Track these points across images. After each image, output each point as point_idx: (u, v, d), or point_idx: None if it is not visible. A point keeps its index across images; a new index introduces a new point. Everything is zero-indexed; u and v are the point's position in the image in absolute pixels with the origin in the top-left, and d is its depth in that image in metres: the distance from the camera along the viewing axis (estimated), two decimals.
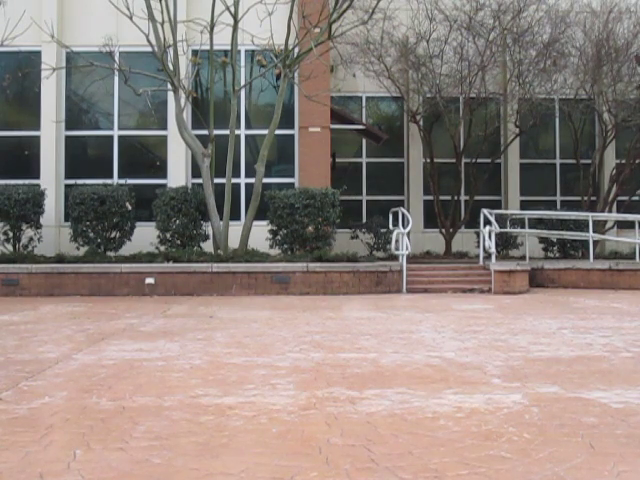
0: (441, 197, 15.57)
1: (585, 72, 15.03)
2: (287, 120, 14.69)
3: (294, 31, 12.58)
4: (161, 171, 14.90)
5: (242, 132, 14.82)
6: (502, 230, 13.36)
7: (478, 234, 13.48)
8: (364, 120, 16.61)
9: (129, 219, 12.94)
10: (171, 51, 12.43)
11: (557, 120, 16.57)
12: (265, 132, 13.03)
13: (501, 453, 2.44)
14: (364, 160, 17.15)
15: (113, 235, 12.88)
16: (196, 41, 13.42)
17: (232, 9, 12.30)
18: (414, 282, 11.68)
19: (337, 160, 16.09)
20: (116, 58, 12.55)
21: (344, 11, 12.23)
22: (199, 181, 13.14)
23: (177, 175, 14.56)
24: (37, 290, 11.11)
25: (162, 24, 12.28)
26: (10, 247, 12.81)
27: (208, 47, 12.70)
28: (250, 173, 13.90)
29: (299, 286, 11.30)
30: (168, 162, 14.81)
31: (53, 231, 13.96)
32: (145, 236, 12.96)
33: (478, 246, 13.36)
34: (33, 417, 3.02)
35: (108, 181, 14.08)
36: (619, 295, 10.71)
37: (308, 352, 4.84)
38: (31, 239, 12.86)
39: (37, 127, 14.64)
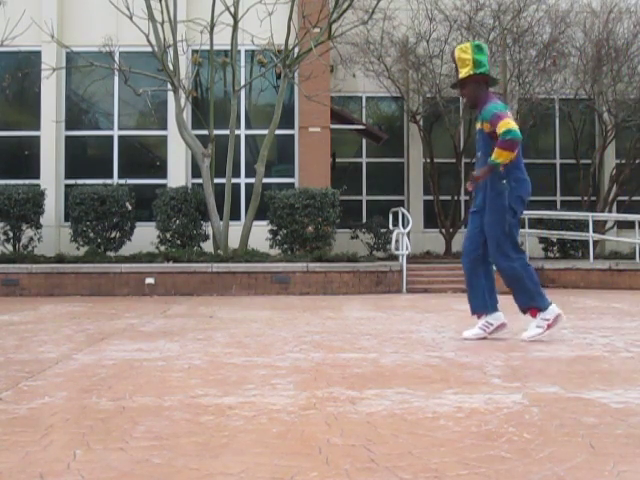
0: (441, 197, 15.58)
1: (585, 72, 15.04)
2: (287, 120, 14.70)
3: (294, 31, 12.60)
4: (161, 171, 14.91)
5: (242, 132, 14.84)
6: None
7: None
8: (364, 120, 16.61)
9: (129, 219, 12.95)
10: (171, 51, 12.44)
11: (557, 120, 16.58)
12: (265, 132, 13.03)
13: (501, 453, 2.44)
14: (364, 160, 17.15)
15: (113, 235, 12.90)
16: (196, 41, 13.43)
17: (232, 9, 12.31)
18: (414, 282, 11.69)
19: (337, 160, 16.10)
20: (116, 58, 12.57)
21: (344, 11, 12.24)
22: (199, 181, 13.15)
23: (177, 175, 14.57)
24: (37, 290, 11.11)
25: (162, 24, 12.29)
26: (10, 247, 12.82)
27: (208, 47, 12.72)
28: (250, 173, 13.92)
29: (299, 286, 11.31)
30: (168, 162, 14.82)
31: (53, 231, 13.97)
32: (145, 236, 12.98)
33: None
34: (33, 417, 3.02)
35: (108, 181, 14.09)
36: (619, 295, 10.71)
37: (308, 352, 4.84)
38: (31, 239, 12.87)
39: (37, 127, 14.65)
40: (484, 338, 5.47)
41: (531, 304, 5.38)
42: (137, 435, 2.69)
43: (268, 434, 2.71)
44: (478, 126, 5.43)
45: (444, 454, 2.43)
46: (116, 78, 14.00)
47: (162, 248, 12.73)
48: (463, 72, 5.38)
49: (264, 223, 12.90)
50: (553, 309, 5.34)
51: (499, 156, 5.12)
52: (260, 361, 4.45)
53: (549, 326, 5.32)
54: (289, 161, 15.05)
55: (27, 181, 13.98)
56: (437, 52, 14.91)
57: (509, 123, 5.15)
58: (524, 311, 5.46)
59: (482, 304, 5.50)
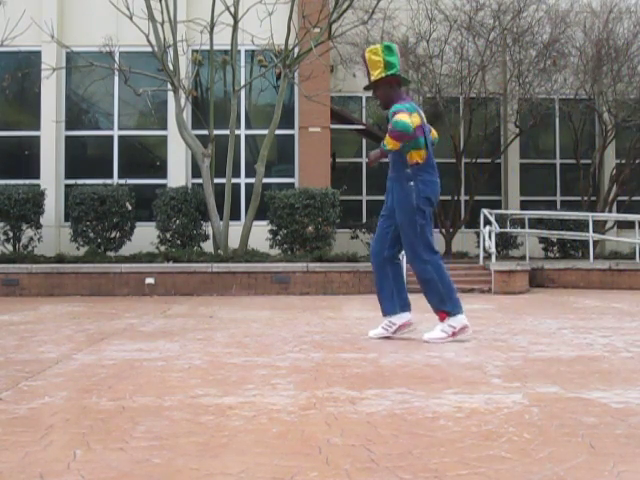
0: (441, 197, 15.54)
1: (585, 72, 15.03)
2: (287, 120, 14.69)
3: (294, 31, 12.59)
4: (161, 171, 14.91)
5: (242, 132, 14.83)
6: (502, 230, 13.36)
7: (478, 234, 13.49)
8: (364, 120, 16.59)
9: (129, 219, 12.95)
10: (171, 51, 12.43)
11: (557, 120, 16.57)
12: (265, 132, 13.03)
13: (501, 453, 2.44)
14: (364, 160, 17.14)
15: (113, 235, 12.89)
16: (196, 41, 13.43)
17: (232, 9, 12.31)
18: (414, 282, 11.65)
19: (337, 160, 16.09)
20: (116, 58, 12.56)
21: (344, 11, 12.23)
22: (199, 181, 13.14)
23: (177, 175, 14.57)
24: (37, 290, 11.11)
25: (162, 24, 12.28)
26: (10, 247, 12.81)
27: (208, 47, 12.72)
28: (250, 173, 13.91)
29: (299, 286, 11.30)
30: (168, 162, 14.81)
31: (53, 231, 13.96)
32: (145, 236, 12.97)
33: (478, 246, 13.37)
34: (33, 417, 3.02)
35: (108, 181, 14.09)
36: (619, 295, 10.71)
37: (308, 352, 4.84)
38: (31, 239, 12.87)
39: (37, 127, 14.65)
40: (388, 337, 5.48)
41: (441, 307, 5.37)
42: (137, 435, 2.70)
43: (268, 434, 2.71)
44: (389, 127, 5.39)
45: (444, 454, 2.43)
46: (116, 78, 13.99)
47: (162, 248, 12.72)
48: (375, 74, 5.36)
49: (264, 223, 12.90)
50: (461, 319, 5.33)
51: (387, 143, 5.21)
52: (260, 361, 4.45)
53: (454, 334, 5.29)
54: (289, 161, 15.05)
55: (27, 181, 13.97)
56: (437, 52, 14.91)
57: (402, 116, 5.20)
58: (436, 312, 5.46)
59: (392, 306, 5.50)
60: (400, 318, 5.52)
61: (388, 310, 5.53)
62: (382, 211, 5.58)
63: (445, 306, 5.34)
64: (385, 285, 5.51)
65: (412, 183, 5.29)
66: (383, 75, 5.34)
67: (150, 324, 6.86)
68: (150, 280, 11.15)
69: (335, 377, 3.88)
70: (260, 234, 12.87)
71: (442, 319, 5.37)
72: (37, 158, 14.62)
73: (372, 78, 5.39)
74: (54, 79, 13.81)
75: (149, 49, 12.47)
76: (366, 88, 5.68)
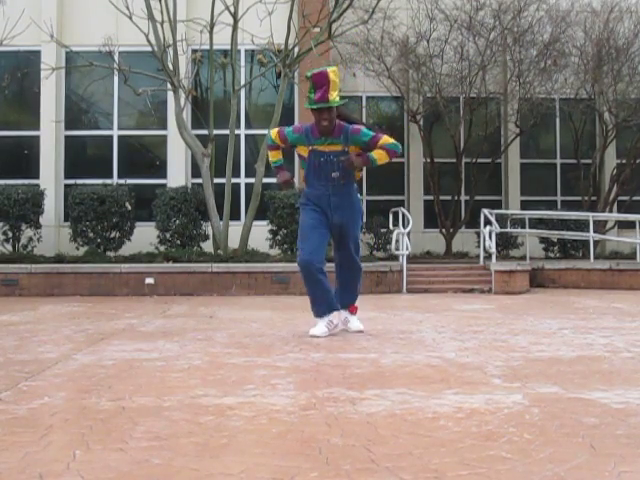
0: (441, 197, 15.55)
1: (586, 72, 15.02)
2: (287, 120, 14.66)
3: (294, 31, 12.59)
4: (161, 171, 14.91)
5: (242, 132, 14.83)
6: (502, 230, 13.35)
7: (478, 234, 13.48)
8: (364, 120, 16.56)
9: (129, 219, 12.94)
10: (171, 51, 12.43)
11: (557, 120, 16.56)
12: (265, 132, 13.01)
13: (501, 453, 2.43)
14: None
15: (113, 235, 12.88)
16: (196, 41, 13.42)
17: (232, 8, 12.30)
18: (414, 282, 11.68)
19: None
20: (116, 58, 12.55)
21: (344, 11, 12.23)
22: (199, 181, 13.14)
23: (177, 175, 14.56)
24: (36, 290, 11.10)
25: (162, 24, 12.27)
26: (9, 247, 12.81)
27: (208, 47, 12.71)
28: (250, 173, 13.91)
29: (299, 286, 11.26)
30: (168, 162, 14.81)
31: (52, 231, 13.96)
32: (145, 236, 12.97)
33: (478, 246, 13.37)
34: (33, 417, 3.02)
35: (108, 181, 14.09)
36: (620, 295, 10.71)
37: (308, 352, 4.84)
38: (30, 239, 12.86)
39: (37, 127, 14.65)
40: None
41: (354, 300, 5.92)
42: (137, 435, 2.69)
43: (268, 434, 2.70)
44: (338, 148, 5.57)
45: (444, 454, 2.42)
46: (116, 78, 13.99)
47: (162, 248, 12.72)
48: (335, 96, 5.43)
49: (264, 223, 12.89)
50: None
51: (381, 159, 5.53)
52: (260, 361, 4.44)
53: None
54: (289, 161, 15.01)
55: (26, 181, 13.97)
56: (437, 52, 14.90)
57: (391, 137, 5.58)
58: (347, 306, 5.89)
59: (335, 303, 5.73)
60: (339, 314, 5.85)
61: (333, 307, 5.70)
62: (318, 222, 5.64)
63: (355, 300, 5.91)
64: (328, 284, 5.67)
65: (359, 196, 5.92)
66: (339, 101, 5.50)
67: (150, 324, 6.86)
68: (150, 280, 11.14)
69: (335, 377, 3.88)
70: (260, 234, 12.87)
71: (353, 311, 5.95)
72: (37, 158, 14.61)
73: (331, 99, 5.41)
74: (54, 79, 13.80)
75: (149, 49, 12.46)
76: (319, 109, 5.43)
